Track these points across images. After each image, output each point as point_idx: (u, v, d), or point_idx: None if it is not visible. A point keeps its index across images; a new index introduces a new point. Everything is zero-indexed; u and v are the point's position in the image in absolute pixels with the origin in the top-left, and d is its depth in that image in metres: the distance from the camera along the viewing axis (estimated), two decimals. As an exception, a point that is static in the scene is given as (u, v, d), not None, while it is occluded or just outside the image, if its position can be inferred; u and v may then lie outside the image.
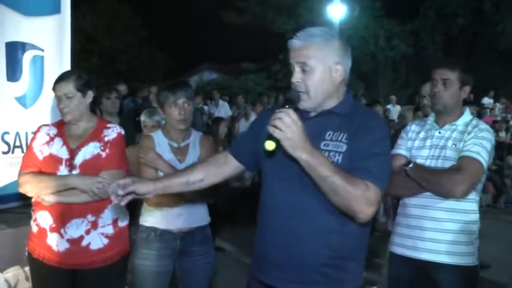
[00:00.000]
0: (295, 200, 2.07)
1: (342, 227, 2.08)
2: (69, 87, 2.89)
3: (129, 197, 2.16)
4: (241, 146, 2.36)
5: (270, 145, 1.86)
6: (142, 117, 4.39)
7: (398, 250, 2.93)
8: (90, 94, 2.97)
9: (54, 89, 2.93)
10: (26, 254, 3.04)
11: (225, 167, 2.34)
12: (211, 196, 3.18)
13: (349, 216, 2.05)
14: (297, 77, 2.07)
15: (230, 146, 2.41)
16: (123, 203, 2.17)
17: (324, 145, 2.07)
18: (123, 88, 10.72)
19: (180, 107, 3.09)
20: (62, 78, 2.93)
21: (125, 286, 3.22)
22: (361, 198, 1.94)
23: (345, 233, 2.09)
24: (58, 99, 2.91)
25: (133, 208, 3.24)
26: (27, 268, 3.25)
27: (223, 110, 12.77)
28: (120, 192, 2.12)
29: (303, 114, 2.14)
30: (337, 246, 2.08)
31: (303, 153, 1.90)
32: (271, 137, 1.85)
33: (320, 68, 2.05)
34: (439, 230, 2.77)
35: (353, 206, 1.96)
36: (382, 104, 9.01)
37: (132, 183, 2.16)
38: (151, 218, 3.16)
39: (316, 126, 2.10)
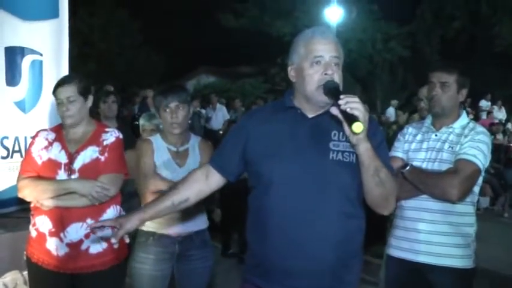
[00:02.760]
0: (309, 204, 2.05)
1: (350, 228, 2.11)
2: (71, 90, 2.89)
3: (126, 240, 2.30)
4: (224, 158, 2.30)
5: (358, 127, 1.79)
6: (142, 121, 4.40)
7: (395, 253, 2.94)
8: (91, 98, 2.99)
9: (55, 92, 2.92)
10: (25, 258, 3.04)
11: (209, 181, 2.31)
12: (209, 203, 3.19)
13: (357, 218, 2.12)
14: (334, 69, 2.08)
15: (213, 162, 2.35)
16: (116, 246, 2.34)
17: (334, 146, 2.07)
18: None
19: (172, 111, 3.10)
20: (64, 82, 2.93)
21: (123, 290, 3.23)
22: (396, 190, 2.09)
23: (351, 234, 2.12)
24: (59, 102, 2.90)
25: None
26: (25, 272, 3.24)
27: (220, 113, 12.78)
28: (114, 240, 2.23)
29: (302, 115, 2.16)
30: (346, 248, 2.10)
31: (368, 141, 1.92)
32: (355, 119, 1.80)
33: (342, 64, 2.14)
34: (435, 232, 2.79)
35: (390, 198, 2.07)
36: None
37: (121, 227, 2.20)
38: (150, 223, 3.14)
39: (318, 126, 2.11)
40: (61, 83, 2.93)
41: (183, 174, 3.06)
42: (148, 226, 3.16)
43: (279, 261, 2.10)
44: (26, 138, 3.80)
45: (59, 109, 2.93)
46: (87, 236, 2.87)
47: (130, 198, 3.37)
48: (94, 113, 3.07)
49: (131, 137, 4.86)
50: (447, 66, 2.93)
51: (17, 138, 3.80)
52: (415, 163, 2.87)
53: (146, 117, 4.42)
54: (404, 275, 2.91)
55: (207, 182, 2.31)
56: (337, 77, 2.07)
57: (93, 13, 25.80)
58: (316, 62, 2.07)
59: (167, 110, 3.11)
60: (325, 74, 2.05)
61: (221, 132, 10.73)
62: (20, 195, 2.92)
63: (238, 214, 6.33)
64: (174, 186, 2.38)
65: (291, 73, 2.19)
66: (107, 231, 2.91)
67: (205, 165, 2.38)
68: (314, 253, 2.06)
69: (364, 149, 1.92)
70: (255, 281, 2.21)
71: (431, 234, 2.79)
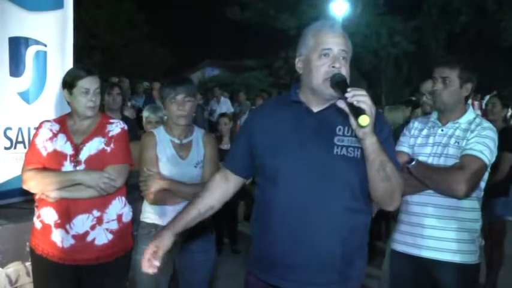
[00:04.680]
0: (313, 198, 2.04)
1: (354, 223, 2.10)
2: (98, 82, 2.90)
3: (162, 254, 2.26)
4: (235, 157, 2.33)
5: (365, 120, 1.77)
6: (146, 113, 4.38)
7: (400, 247, 2.93)
8: None
9: (82, 80, 2.87)
10: (28, 249, 3.03)
11: (229, 184, 2.34)
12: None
13: (362, 213, 2.11)
14: (342, 63, 2.07)
15: (226, 163, 2.38)
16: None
17: (338, 140, 2.06)
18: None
19: (179, 103, 3.11)
20: (91, 72, 2.91)
21: (126, 282, 3.22)
22: (402, 186, 2.06)
23: (356, 229, 2.11)
24: (84, 92, 2.87)
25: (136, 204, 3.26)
26: (28, 263, 3.25)
27: (225, 106, 12.78)
28: (157, 263, 2.24)
29: (307, 109, 2.14)
30: (350, 243, 2.09)
31: (374, 135, 1.90)
32: (362, 112, 1.78)
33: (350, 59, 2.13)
34: (440, 227, 2.78)
35: (395, 193, 2.04)
36: None
37: (158, 249, 2.24)
38: (152, 215, 3.17)
39: (323, 121, 2.10)
40: (90, 73, 2.90)
41: (185, 166, 3.09)
42: (151, 218, 3.17)
43: (281, 256, 2.10)
44: (29, 129, 3.80)
45: (81, 99, 2.88)
46: (92, 227, 2.88)
47: (133, 190, 3.36)
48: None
49: (135, 128, 4.87)
50: (449, 61, 2.92)
51: (20, 129, 3.79)
52: (421, 158, 2.85)
53: (151, 109, 4.41)
54: (408, 270, 2.90)
55: (227, 184, 2.34)
56: (345, 71, 2.06)
57: (99, 4, 25.79)
58: (325, 54, 2.06)
59: (174, 102, 3.12)
60: (333, 66, 2.05)
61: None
62: (25, 187, 2.91)
63: (228, 208, 6.37)
64: (197, 195, 2.39)
65: (298, 64, 2.18)
66: (113, 224, 2.92)
67: (222, 168, 2.40)
68: (317, 248, 2.05)
69: (370, 143, 1.90)
70: (257, 274, 2.21)
71: (437, 229, 2.78)
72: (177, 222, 2.31)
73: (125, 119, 4.88)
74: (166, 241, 2.25)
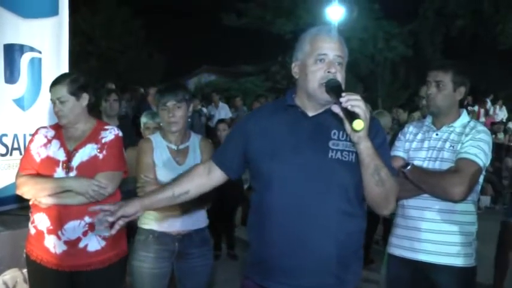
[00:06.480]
0: (309, 202, 2.05)
1: (350, 227, 2.10)
2: (62, 91, 2.89)
3: (120, 223, 2.19)
4: (225, 155, 2.33)
5: (359, 124, 1.78)
6: (144, 119, 4.36)
7: (397, 251, 2.93)
8: (85, 97, 2.95)
9: (50, 92, 2.94)
10: (24, 256, 3.03)
11: (211, 177, 2.32)
12: (207, 202, 3.19)
13: (357, 217, 2.11)
14: (337, 68, 2.08)
15: (214, 157, 2.38)
16: (113, 231, 2.20)
17: (333, 144, 2.07)
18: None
19: (169, 110, 3.12)
20: (55, 82, 2.93)
21: (123, 288, 3.22)
22: (396, 190, 2.07)
23: (351, 233, 2.12)
24: (52, 102, 2.92)
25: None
26: (25, 270, 3.24)
27: (223, 112, 12.76)
28: (110, 219, 2.15)
29: (302, 114, 2.15)
30: (346, 246, 2.10)
31: (368, 140, 1.91)
32: (356, 117, 1.79)
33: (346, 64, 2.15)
34: (436, 231, 2.78)
35: (390, 197, 2.05)
36: None
37: (119, 207, 2.18)
38: (150, 221, 3.16)
39: (318, 125, 2.11)
40: (53, 84, 2.94)
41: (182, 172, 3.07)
42: (148, 224, 3.16)
43: (278, 260, 2.10)
44: (24, 135, 3.80)
45: (53, 109, 2.94)
46: (85, 233, 2.87)
47: (129, 196, 3.36)
48: (96, 111, 3.06)
49: (132, 134, 4.86)
50: (442, 65, 2.94)
51: (15, 136, 3.80)
52: (416, 162, 2.86)
53: (149, 115, 4.40)
54: (405, 274, 2.90)
55: (208, 177, 2.33)
56: (340, 77, 2.07)
57: (96, 11, 25.79)
58: (320, 59, 2.08)
59: (164, 109, 3.13)
60: (328, 71, 2.06)
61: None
62: (18, 192, 2.92)
63: (225, 212, 6.38)
64: (176, 178, 2.39)
65: (295, 69, 2.19)
66: (104, 230, 2.91)
67: (208, 160, 2.40)
68: (313, 252, 2.06)
69: (365, 147, 1.92)
70: (254, 279, 2.21)
71: (433, 233, 2.79)
72: (148, 196, 2.30)
73: (121, 125, 4.87)
74: (131, 207, 2.21)
